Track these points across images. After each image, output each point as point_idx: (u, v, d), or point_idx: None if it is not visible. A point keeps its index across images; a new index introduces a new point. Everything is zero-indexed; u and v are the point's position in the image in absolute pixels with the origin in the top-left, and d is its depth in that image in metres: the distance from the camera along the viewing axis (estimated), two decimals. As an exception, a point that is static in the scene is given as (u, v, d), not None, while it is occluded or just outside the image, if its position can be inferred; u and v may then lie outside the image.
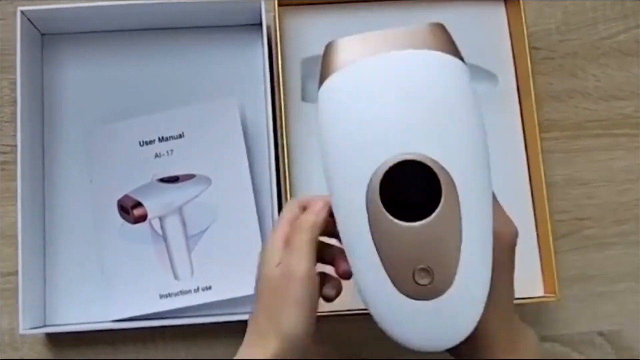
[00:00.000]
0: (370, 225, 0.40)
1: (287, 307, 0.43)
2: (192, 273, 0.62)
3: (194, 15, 0.64)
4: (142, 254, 0.62)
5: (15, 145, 0.61)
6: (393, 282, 0.40)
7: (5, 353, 0.63)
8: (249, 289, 0.61)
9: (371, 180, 0.39)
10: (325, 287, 0.47)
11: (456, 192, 0.39)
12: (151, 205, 0.61)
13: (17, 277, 0.58)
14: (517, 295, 0.59)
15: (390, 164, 0.39)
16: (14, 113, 0.63)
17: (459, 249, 0.39)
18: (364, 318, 0.55)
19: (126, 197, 0.62)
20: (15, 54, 0.60)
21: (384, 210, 0.39)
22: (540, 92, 0.67)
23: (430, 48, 0.40)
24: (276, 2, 0.63)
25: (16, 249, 0.58)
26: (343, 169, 0.41)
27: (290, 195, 0.60)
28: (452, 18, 0.65)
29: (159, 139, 0.63)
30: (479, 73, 0.65)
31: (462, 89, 0.41)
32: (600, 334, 0.65)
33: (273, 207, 0.60)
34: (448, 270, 0.39)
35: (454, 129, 0.40)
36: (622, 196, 0.67)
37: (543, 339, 0.65)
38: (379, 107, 0.40)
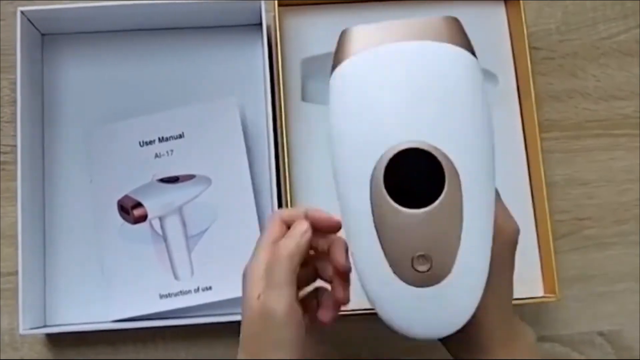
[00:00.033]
0: (372, 210, 0.40)
1: (270, 353, 0.42)
2: (192, 273, 0.62)
3: (194, 15, 0.64)
4: (142, 254, 0.62)
5: (15, 146, 0.61)
6: (392, 267, 0.40)
7: (5, 353, 0.63)
8: (249, 289, 0.61)
9: (376, 166, 0.39)
10: (321, 309, 0.47)
11: (459, 182, 0.39)
12: (151, 206, 0.61)
13: (17, 277, 0.58)
14: (517, 296, 0.59)
15: (396, 150, 0.39)
16: (14, 113, 0.63)
17: (458, 238, 0.39)
18: (363, 318, 0.55)
19: (126, 197, 0.62)
20: (15, 54, 0.60)
21: (387, 195, 0.39)
22: (540, 92, 0.67)
23: (443, 40, 0.41)
24: (276, 2, 0.63)
25: (16, 249, 0.58)
26: (349, 154, 0.41)
27: (291, 196, 0.60)
28: (452, 18, 0.66)
29: (159, 139, 0.63)
30: (479, 73, 0.65)
31: (472, 83, 0.41)
32: (600, 334, 0.65)
33: (273, 207, 0.60)
34: (447, 258, 0.39)
35: (461, 121, 0.40)
36: (622, 196, 0.67)
37: (543, 339, 0.65)
38: (388, 94, 0.40)
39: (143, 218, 0.61)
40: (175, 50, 0.66)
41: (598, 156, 0.68)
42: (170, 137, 0.63)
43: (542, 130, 0.64)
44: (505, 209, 0.44)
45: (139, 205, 0.61)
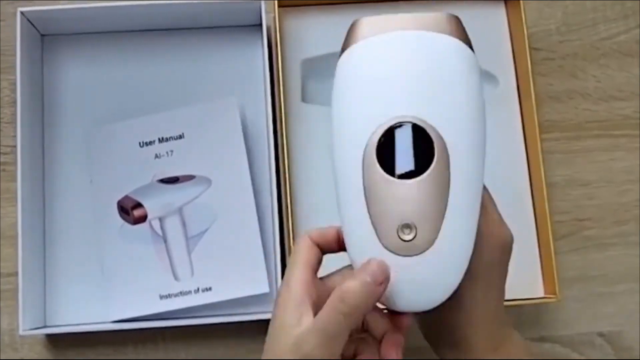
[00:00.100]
0: (363, 178, 0.42)
1: None
2: (192, 274, 0.62)
3: (194, 15, 0.64)
4: (142, 254, 0.62)
5: (15, 146, 0.61)
6: (378, 235, 0.41)
7: (5, 354, 0.63)
8: (249, 290, 0.61)
9: (370, 137, 0.41)
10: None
11: (448, 158, 0.41)
12: (151, 206, 0.61)
13: (17, 278, 0.58)
14: (517, 296, 0.60)
15: (390, 124, 0.41)
16: (14, 114, 0.63)
17: (443, 211, 0.41)
18: (364, 319, 0.55)
19: (126, 197, 0.62)
20: (15, 55, 0.60)
21: (377, 164, 0.41)
22: (540, 93, 0.67)
23: (443, 32, 0.43)
24: (276, 2, 0.63)
25: (16, 249, 0.58)
26: (347, 126, 0.43)
27: (291, 196, 0.60)
28: (452, 19, 0.66)
29: (159, 139, 0.63)
30: (479, 73, 0.66)
31: (467, 70, 0.43)
32: (601, 334, 0.65)
33: (273, 207, 0.60)
34: (430, 230, 0.41)
35: (454, 103, 0.42)
36: (622, 197, 0.67)
37: (543, 339, 0.65)
38: (387, 74, 0.42)
39: (143, 218, 0.61)
40: (175, 51, 0.66)
41: (598, 157, 0.68)
42: (170, 138, 0.63)
43: (542, 131, 0.64)
44: (498, 216, 0.45)
45: (139, 205, 0.61)
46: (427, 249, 0.41)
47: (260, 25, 0.64)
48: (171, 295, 0.61)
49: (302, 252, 0.43)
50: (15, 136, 0.61)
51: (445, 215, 0.41)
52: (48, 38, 0.66)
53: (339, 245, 0.44)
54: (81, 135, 0.64)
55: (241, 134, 0.63)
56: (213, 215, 0.62)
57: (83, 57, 0.66)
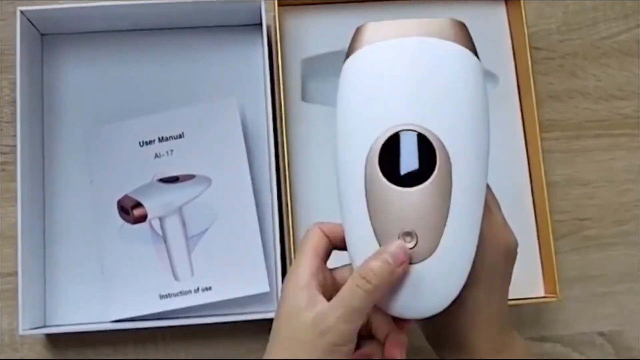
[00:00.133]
0: (365, 185, 0.42)
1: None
2: (192, 273, 0.61)
3: (194, 15, 0.64)
4: (142, 254, 0.62)
5: (15, 146, 0.61)
6: (379, 242, 0.42)
7: (5, 354, 0.63)
8: (249, 289, 0.61)
9: (373, 144, 0.42)
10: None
11: (450, 166, 0.41)
12: (151, 206, 0.61)
13: (17, 278, 0.58)
14: (517, 296, 0.60)
15: (393, 131, 0.41)
16: (14, 113, 0.63)
17: (445, 219, 0.41)
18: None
19: (126, 197, 0.61)
20: (15, 54, 0.60)
21: (379, 172, 0.41)
22: (540, 92, 0.67)
23: (448, 39, 0.43)
24: (276, 2, 0.63)
25: (16, 249, 0.58)
26: (350, 132, 0.43)
27: (291, 196, 0.60)
28: (452, 18, 0.66)
29: (159, 139, 0.63)
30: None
31: (472, 78, 0.43)
32: (601, 334, 0.65)
33: (273, 207, 0.60)
34: (432, 238, 0.41)
35: (458, 111, 0.42)
36: (623, 196, 0.67)
37: (543, 339, 0.65)
38: (391, 81, 0.42)
39: (143, 218, 0.61)
40: (175, 50, 0.66)
41: (598, 156, 0.68)
42: (170, 137, 0.63)
43: (542, 130, 0.64)
44: (502, 219, 0.45)
45: (138, 205, 0.61)
46: (429, 256, 0.41)
47: (260, 24, 0.64)
48: (171, 295, 0.61)
49: (312, 240, 0.44)
50: (15, 136, 0.61)
51: (447, 224, 0.41)
52: (48, 38, 0.66)
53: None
54: (81, 135, 0.64)
55: (241, 133, 0.63)
56: (213, 215, 0.62)
57: (83, 57, 0.66)
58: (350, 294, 0.40)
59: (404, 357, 0.44)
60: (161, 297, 0.61)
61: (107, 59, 0.66)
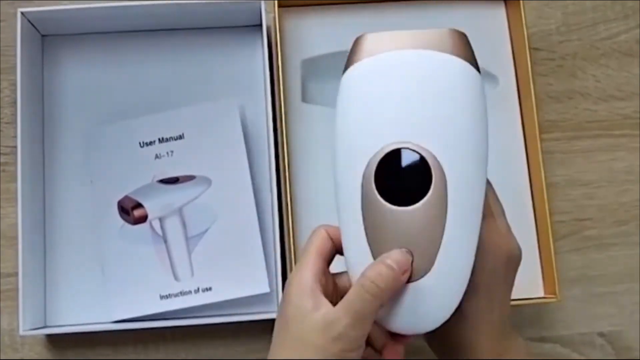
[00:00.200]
0: (362, 203, 0.42)
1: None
2: (193, 274, 0.62)
3: (194, 16, 0.64)
4: (142, 255, 0.62)
5: (15, 147, 0.61)
6: (375, 259, 0.42)
7: (5, 354, 0.63)
8: (249, 290, 0.61)
9: (369, 162, 0.42)
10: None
11: (446, 186, 0.41)
12: (151, 206, 0.61)
13: (18, 278, 0.58)
14: (517, 296, 0.60)
15: (388, 150, 0.41)
16: (14, 114, 0.63)
17: (440, 238, 0.41)
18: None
19: (126, 198, 0.62)
20: (15, 55, 0.60)
21: (375, 191, 0.41)
22: (540, 93, 0.67)
23: (446, 51, 0.42)
24: (276, 2, 0.63)
25: (16, 250, 0.58)
26: (347, 148, 0.43)
27: (291, 196, 0.60)
28: (452, 18, 0.66)
29: (159, 139, 0.63)
30: (479, 74, 0.66)
31: (470, 92, 0.43)
32: (601, 334, 0.65)
33: (273, 207, 0.60)
34: (428, 256, 0.41)
35: (456, 128, 0.42)
36: (623, 197, 0.67)
37: (543, 339, 0.65)
38: (388, 97, 0.42)
39: (143, 219, 0.61)
40: (175, 51, 0.66)
41: (598, 157, 0.68)
42: (170, 138, 0.63)
43: (542, 131, 0.64)
44: (506, 227, 0.45)
45: (139, 206, 0.61)
46: (425, 274, 0.41)
47: (260, 25, 0.64)
48: (171, 295, 0.61)
49: (317, 242, 0.44)
50: (15, 136, 0.61)
51: (443, 242, 0.41)
52: (48, 38, 0.66)
53: None
54: (81, 136, 0.64)
55: (241, 134, 0.63)
56: (213, 215, 0.62)
57: (83, 57, 0.66)
58: (357, 298, 0.40)
59: (402, 358, 0.44)
60: (161, 297, 0.61)
61: (108, 60, 0.66)
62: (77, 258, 0.63)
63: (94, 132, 0.63)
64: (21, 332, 0.57)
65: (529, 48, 0.63)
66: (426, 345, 0.49)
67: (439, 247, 0.41)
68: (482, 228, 0.43)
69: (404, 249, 0.41)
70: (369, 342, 0.44)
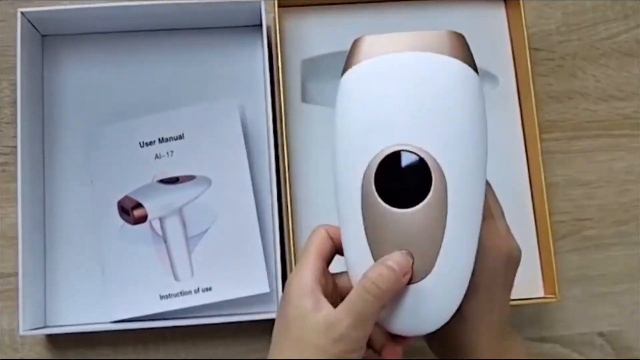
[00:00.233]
0: (362, 206, 0.42)
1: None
2: (192, 274, 0.62)
3: (194, 16, 0.64)
4: (142, 255, 0.62)
5: (15, 147, 0.62)
6: (375, 260, 0.42)
7: (5, 354, 0.63)
8: (249, 290, 0.61)
9: (369, 164, 0.42)
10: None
11: (445, 187, 0.41)
12: (151, 206, 0.61)
13: (18, 278, 0.58)
14: (517, 296, 0.60)
15: (387, 152, 0.42)
16: (14, 114, 0.63)
17: (440, 240, 0.41)
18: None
19: (126, 198, 0.62)
20: (15, 55, 0.60)
21: (376, 193, 0.42)
22: (540, 93, 0.67)
23: (444, 53, 0.43)
24: (276, 2, 0.63)
25: (16, 250, 0.58)
26: (347, 152, 0.43)
27: (291, 196, 0.60)
28: (452, 19, 0.66)
29: (159, 139, 0.63)
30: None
31: (469, 94, 0.43)
32: (601, 334, 0.65)
33: (273, 207, 0.60)
34: (428, 258, 0.41)
35: (454, 129, 0.42)
36: (623, 197, 0.67)
37: (543, 339, 0.65)
38: (387, 99, 0.42)
39: (143, 219, 0.61)
40: (175, 51, 0.66)
41: (598, 157, 0.68)
42: (170, 138, 0.63)
43: (542, 131, 0.64)
44: (506, 228, 0.45)
45: (139, 206, 0.61)
46: (426, 276, 0.41)
47: (260, 25, 0.64)
48: (171, 295, 0.61)
49: (317, 242, 0.44)
50: (15, 136, 0.61)
51: (443, 244, 0.41)
52: (48, 38, 0.66)
53: None
54: (81, 136, 0.64)
55: (241, 134, 0.63)
56: (213, 215, 0.62)
57: (83, 57, 0.66)
58: (359, 299, 0.40)
59: (401, 358, 0.45)
60: (161, 297, 0.61)
61: (108, 60, 0.66)
62: (77, 258, 0.63)
63: (94, 132, 0.63)
64: (21, 332, 0.57)
65: (529, 48, 0.63)
66: (426, 345, 0.49)
67: (440, 249, 0.41)
68: (481, 229, 0.43)
69: (404, 251, 0.41)
70: (368, 344, 0.44)
